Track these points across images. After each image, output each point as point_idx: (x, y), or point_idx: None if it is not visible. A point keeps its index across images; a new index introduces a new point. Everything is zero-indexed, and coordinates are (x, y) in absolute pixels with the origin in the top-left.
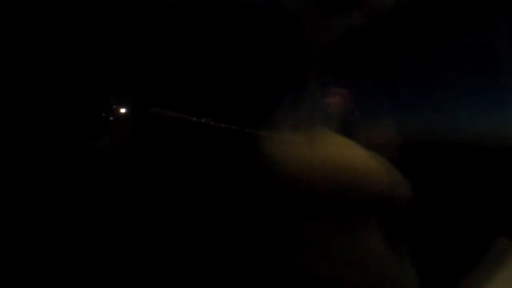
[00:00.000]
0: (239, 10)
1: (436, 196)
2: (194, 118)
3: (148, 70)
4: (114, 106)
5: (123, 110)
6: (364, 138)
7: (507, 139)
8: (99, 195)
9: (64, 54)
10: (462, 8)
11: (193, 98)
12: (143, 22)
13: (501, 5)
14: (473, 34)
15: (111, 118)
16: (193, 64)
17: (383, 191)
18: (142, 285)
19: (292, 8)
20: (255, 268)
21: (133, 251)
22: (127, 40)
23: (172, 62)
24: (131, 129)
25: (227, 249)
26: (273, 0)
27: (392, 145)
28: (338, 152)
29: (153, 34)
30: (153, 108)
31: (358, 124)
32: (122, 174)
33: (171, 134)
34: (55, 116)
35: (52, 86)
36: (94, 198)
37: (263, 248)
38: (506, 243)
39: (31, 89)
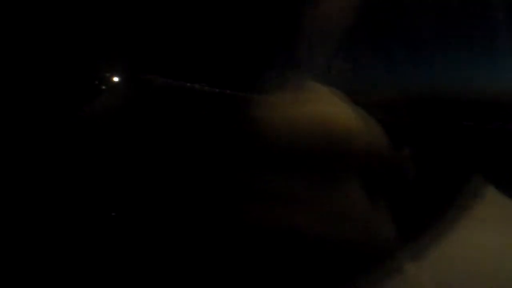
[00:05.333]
0: None
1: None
2: (188, 84)
3: (140, 38)
4: (107, 74)
5: (115, 79)
6: (354, 95)
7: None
8: (91, 161)
9: (58, 26)
10: None
11: (187, 64)
12: None
13: None
14: None
15: (104, 87)
16: (184, 31)
17: (364, 147)
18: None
19: None
20: (241, 222)
21: (123, 212)
22: (118, 8)
23: (163, 29)
24: (123, 96)
25: (216, 208)
26: None
27: (385, 102)
28: (324, 110)
29: (145, 2)
30: (146, 75)
31: (350, 81)
32: (114, 140)
33: (164, 100)
34: (49, 84)
35: (46, 57)
36: (86, 164)
37: (249, 204)
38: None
39: (26, 60)
